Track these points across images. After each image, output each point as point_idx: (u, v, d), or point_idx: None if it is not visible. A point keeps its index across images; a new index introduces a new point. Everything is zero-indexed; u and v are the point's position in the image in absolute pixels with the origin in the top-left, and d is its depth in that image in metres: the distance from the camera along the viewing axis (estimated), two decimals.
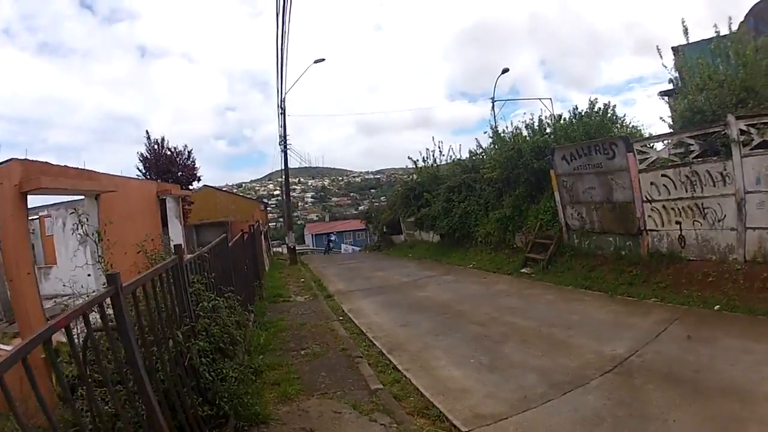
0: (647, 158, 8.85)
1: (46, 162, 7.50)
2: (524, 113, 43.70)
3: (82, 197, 8.70)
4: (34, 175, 6.94)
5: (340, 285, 12.83)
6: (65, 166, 8.03)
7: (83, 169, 8.57)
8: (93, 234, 4.45)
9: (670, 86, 10.56)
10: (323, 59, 21.74)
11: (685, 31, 9.19)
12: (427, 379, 5.23)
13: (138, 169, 19.76)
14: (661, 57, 9.74)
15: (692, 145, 8.03)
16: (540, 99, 25.32)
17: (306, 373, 5.66)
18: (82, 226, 4.28)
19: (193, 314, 3.32)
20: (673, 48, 10.72)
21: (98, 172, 9.07)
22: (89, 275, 6.71)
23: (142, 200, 11.10)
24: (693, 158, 7.99)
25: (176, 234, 12.81)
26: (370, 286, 12.13)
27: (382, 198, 61.03)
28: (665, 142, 8.82)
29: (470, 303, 8.83)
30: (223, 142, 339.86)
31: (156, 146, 20.06)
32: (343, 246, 47.59)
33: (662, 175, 8.48)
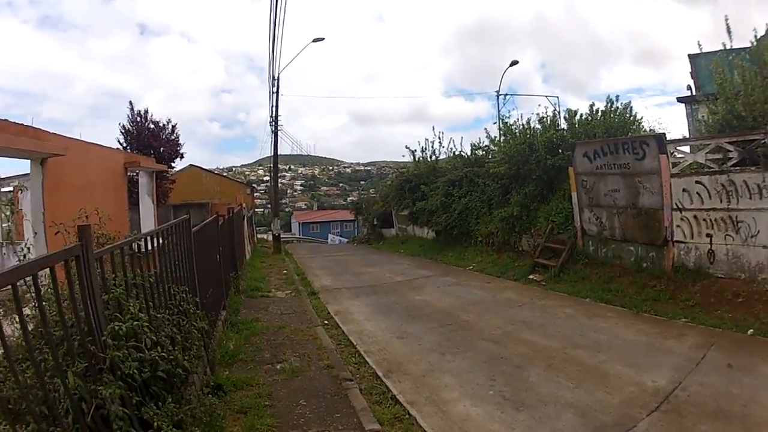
0: (679, 162, 8.15)
1: None
2: (537, 106, 43.39)
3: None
4: None
5: (326, 280, 11.69)
6: (5, 120, 6.56)
7: (29, 126, 7.04)
8: (5, 207, 3.16)
9: (687, 93, 10.68)
10: (322, 38, 21.36)
11: (728, 29, 8.22)
12: (437, 419, 4.09)
13: (119, 142, 18.40)
14: (692, 63, 9.23)
15: (730, 151, 7.40)
16: (547, 96, 24.35)
17: (281, 398, 4.48)
18: None
19: (101, 341, 2.06)
20: (689, 55, 10.61)
21: (47, 132, 7.47)
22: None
23: (105, 171, 9.52)
24: (731, 166, 7.32)
25: (147, 213, 11.36)
26: (359, 283, 10.97)
27: (371, 190, 59.79)
28: (700, 144, 8.07)
29: (477, 312, 7.75)
30: (217, 124, 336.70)
31: (139, 118, 18.67)
32: (330, 236, 46.21)
33: (696, 182, 7.68)
